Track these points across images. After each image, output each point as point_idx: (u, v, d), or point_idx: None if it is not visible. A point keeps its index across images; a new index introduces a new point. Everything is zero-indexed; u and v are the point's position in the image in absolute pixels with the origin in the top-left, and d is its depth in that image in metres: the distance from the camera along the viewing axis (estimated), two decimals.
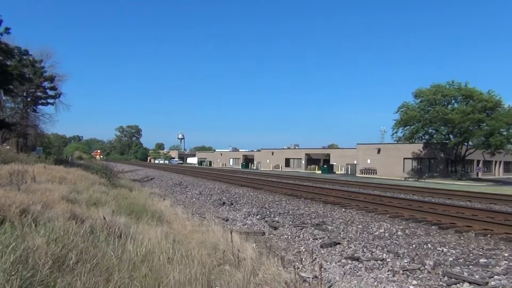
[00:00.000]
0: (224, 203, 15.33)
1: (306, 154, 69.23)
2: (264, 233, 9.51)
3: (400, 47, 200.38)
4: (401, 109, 42.13)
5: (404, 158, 47.45)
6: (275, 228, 9.88)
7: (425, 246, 7.51)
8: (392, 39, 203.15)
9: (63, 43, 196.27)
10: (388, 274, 5.96)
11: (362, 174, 50.08)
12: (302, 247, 7.93)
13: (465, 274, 5.75)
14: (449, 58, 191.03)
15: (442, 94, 39.79)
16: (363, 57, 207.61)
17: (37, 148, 41.62)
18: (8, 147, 30.07)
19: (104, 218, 5.95)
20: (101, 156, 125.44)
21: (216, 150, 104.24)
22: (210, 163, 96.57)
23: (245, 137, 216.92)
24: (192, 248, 5.28)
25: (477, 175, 48.15)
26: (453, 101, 40.81)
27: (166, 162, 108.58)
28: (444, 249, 7.22)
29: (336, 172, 57.28)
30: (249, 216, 12.10)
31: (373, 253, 7.11)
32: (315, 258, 7.04)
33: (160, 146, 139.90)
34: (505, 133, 37.11)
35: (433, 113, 38.68)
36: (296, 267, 5.65)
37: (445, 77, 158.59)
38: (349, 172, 54.53)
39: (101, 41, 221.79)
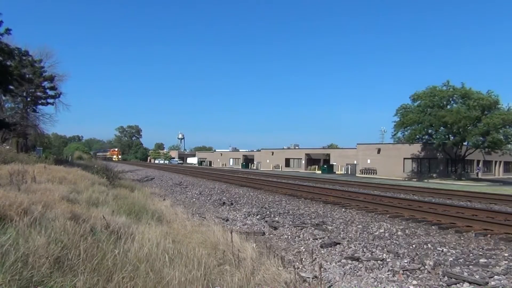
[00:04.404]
0: (224, 203, 15.33)
1: (306, 154, 69.24)
2: (264, 233, 9.52)
3: (400, 47, 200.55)
4: (400, 111, 42.28)
5: (404, 158, 47.45)
6: (275, 228, 9.88)
7: (425, 246, 7.51)
8: (392, 39, 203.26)
9: (63, 43, 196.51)
10: (388, 274, 5.97)
11: (362, 174, 50.08)
12: (302, 247, 7.94)
13: (465, 274, 5.75)
14: (449, 57, 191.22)
15: (439, 96, 39.99)
16: (363, 57, 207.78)
17: (37, 148, 41.55)
18: (8, 147, 29.96)
19: (104, 218, 5.95)
20: (119, 157, 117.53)
21: (216, 150, 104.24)
22: (210, 163, 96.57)
23: (245, 137, 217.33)
24: (192, 248, 5.27)
25: (477, 175, 48.14)
26: (451, 102, 40.90)
27: (166, 162, 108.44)
28: (444, 249, 7.22)
29: (336, 172, 57.28)
30: (249, 216, 12.10)
31: (373, 253, 7.11)
32: (315, 258, 7.04)
33: (160, 146, 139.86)
34: (501, 131, 37.14)
35: (431, 116, 38.86)
36: (296, 267, 5.65)
37: (444, 76, 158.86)
38: (349, 172, 54.53)
39: (101, 41, 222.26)
